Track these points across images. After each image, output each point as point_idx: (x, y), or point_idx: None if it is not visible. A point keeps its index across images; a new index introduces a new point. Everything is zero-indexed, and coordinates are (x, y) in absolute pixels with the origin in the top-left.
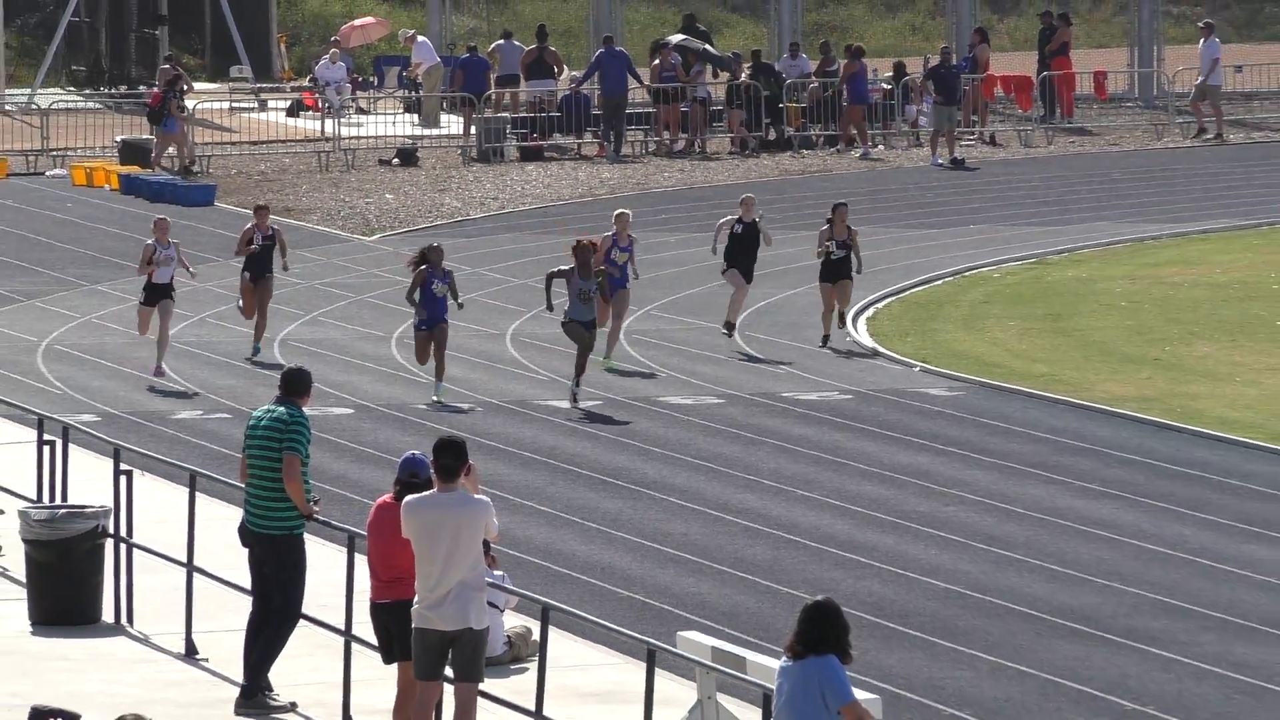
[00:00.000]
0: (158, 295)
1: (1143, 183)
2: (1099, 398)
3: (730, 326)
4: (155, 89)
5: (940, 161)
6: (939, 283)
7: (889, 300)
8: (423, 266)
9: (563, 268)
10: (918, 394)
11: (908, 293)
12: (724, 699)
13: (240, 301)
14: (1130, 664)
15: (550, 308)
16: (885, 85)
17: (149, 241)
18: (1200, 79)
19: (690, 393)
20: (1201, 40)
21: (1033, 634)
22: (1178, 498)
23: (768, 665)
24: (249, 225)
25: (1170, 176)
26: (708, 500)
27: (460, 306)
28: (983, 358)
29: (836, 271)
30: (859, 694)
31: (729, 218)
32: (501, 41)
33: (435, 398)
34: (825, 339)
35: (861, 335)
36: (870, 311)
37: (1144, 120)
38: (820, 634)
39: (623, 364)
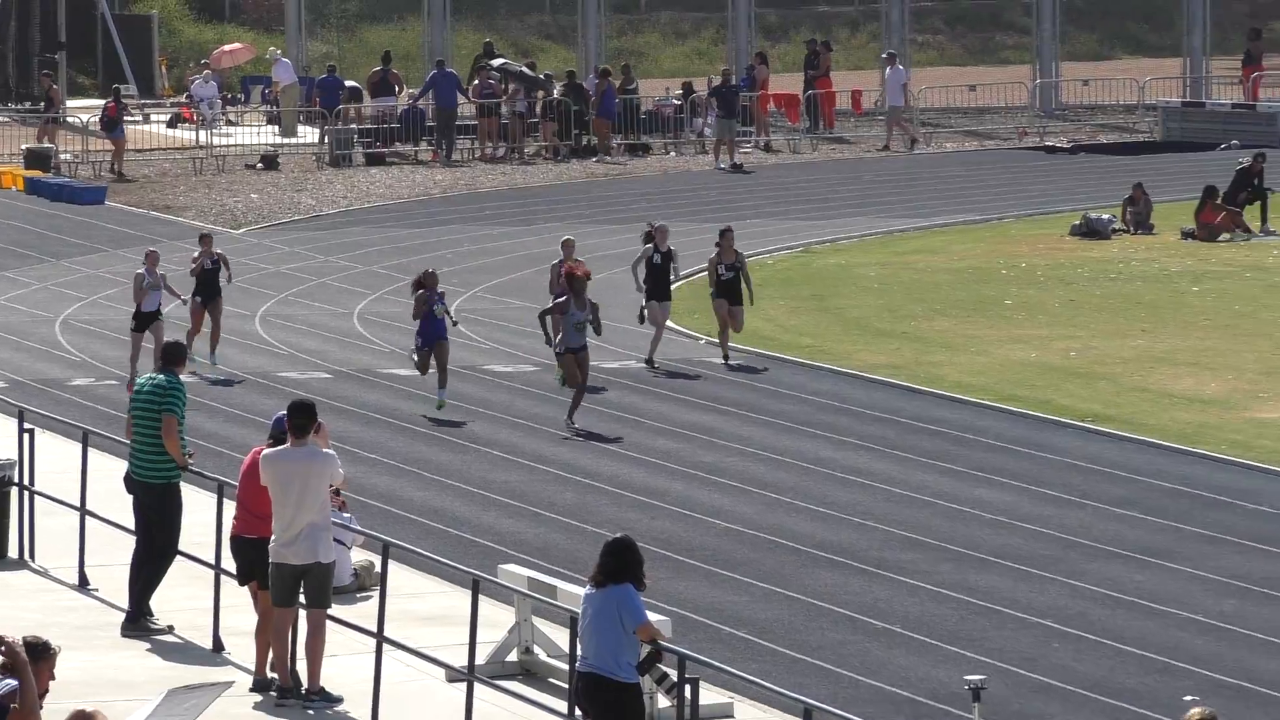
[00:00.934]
0: (147, 322)
1: (893, 184)
2: (856, 365)
3: (650, 363)
4: (109, 102)
5: (722, 166)
6: None
7: (679, 283)
8: (421, 291)
9: (559, 301)
10: (704, 362)
11: (695, 277)
12: (538, 621)
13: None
14: (881, 590)
15: (550, 342)
16: (676, 101)
17: (139, 271)
18: (889, 102)
19: (510, 362)
20: (887, 68)
21: (798, 565)
22: (922, 449)
23: (575, 593)
24: (198, 253)
25: (916, 179)
26: (525, 453)
27: (455, 324)
28: (758, 332)
29: (727, 291)
30: (651, 616)
31: (646, 248)
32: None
33: (438, 405)
34: (725, 358)
35: None
36: None
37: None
38: (619, 566)
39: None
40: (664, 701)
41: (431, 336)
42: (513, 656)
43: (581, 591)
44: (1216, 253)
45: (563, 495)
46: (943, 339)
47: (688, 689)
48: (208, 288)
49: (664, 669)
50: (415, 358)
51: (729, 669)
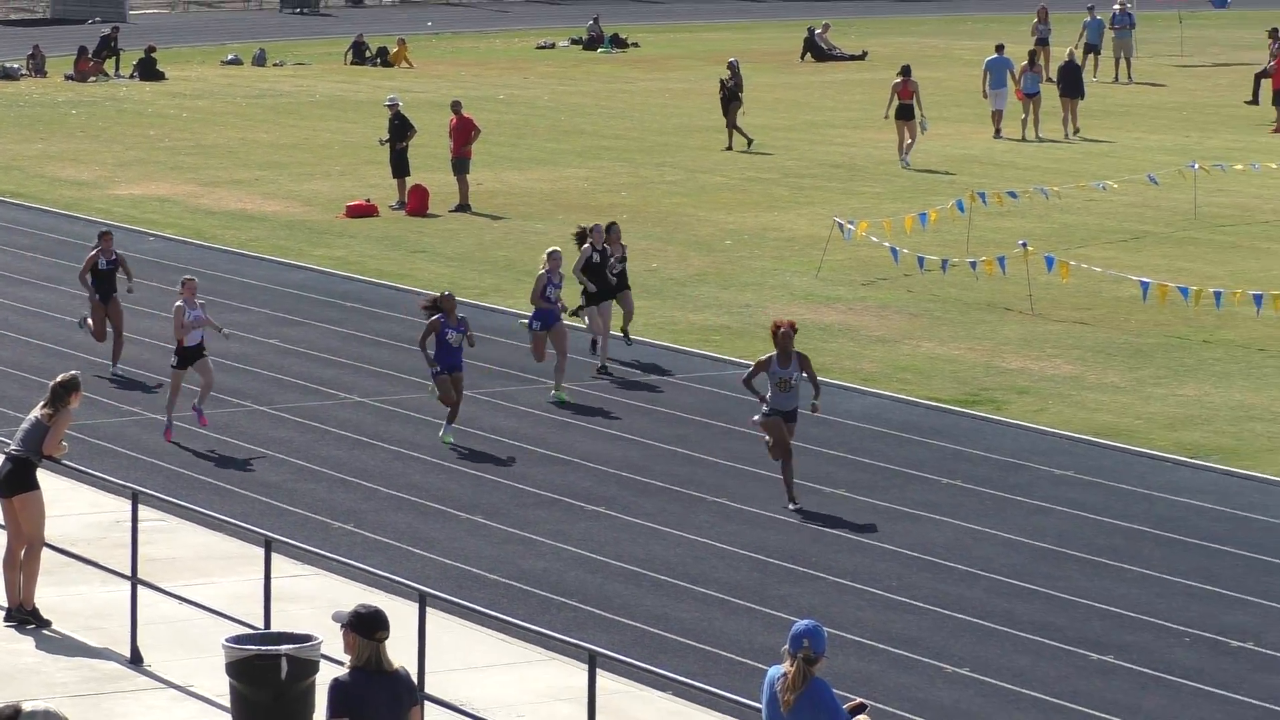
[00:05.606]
0: (191, 358)
1: None
2: None
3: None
4: None
5: None
6: None
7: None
8: (437, 316)
9: (761, 359)
10: None
11: None
12: None
13: (89, 322)
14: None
15: (761, 399)
16: None
17: (178, 303)
18: None
19: None
20: None
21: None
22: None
23: None
24: (94, 251)
25: None
26: None
27: (472, 345)
28: None
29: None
30: None
31: (584, 247)
32: None
33: (446, 439)
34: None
35: None
36: None
37: None
38: None
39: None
40: None
41: (447, 365)
42: None
43: None
44: (88, 90)
45: None
46: None
47: None
48: (106, 287)
49: None
50: (433, 384)
51: None
